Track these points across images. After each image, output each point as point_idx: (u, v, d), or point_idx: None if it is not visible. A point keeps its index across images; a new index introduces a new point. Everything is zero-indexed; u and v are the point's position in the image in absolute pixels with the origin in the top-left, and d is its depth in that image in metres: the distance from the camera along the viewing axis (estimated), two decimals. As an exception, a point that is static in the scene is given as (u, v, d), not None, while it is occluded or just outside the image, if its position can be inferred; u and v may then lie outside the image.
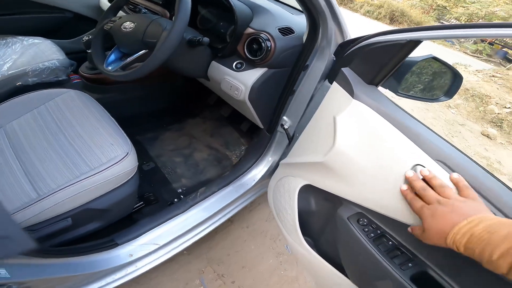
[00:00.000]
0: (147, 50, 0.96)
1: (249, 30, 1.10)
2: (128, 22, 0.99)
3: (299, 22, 1.14)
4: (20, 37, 1.55)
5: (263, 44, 1.04)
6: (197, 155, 1.60)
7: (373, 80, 0.84)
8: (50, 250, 0.84)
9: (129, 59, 0.98)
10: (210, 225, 1.26)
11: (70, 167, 0.90)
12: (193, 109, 1.87)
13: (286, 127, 1.22)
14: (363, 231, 0.82)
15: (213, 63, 1.20)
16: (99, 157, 0.92)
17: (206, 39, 1.03)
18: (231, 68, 1.14)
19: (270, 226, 1.70)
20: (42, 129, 0.99)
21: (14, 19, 1.76)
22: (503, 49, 12.12)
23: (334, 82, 0.89)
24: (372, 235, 0.82)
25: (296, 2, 0.95)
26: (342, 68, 0.88)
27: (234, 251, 1.55)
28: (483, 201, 0.59)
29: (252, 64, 1.11)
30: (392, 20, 13.63)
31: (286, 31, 1.09)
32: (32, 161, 0.90)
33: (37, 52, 1.46)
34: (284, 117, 1.22)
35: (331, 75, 1.01)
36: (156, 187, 1.39)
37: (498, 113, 4.67)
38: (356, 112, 0.80)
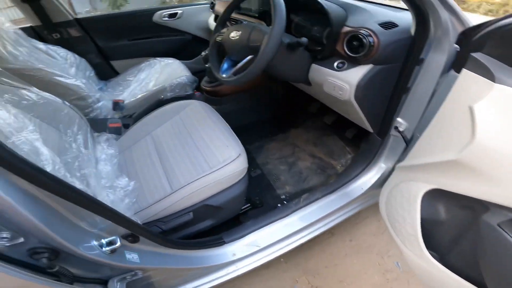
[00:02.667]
0: (252, 56, 1.05)
1: (346, 29, 1.09)
2: (234, 31, 1.11)
3: (401, 16, 1.07)
4: (158, 59, 2.03)
5: (364, 40, 1.01)
6: (300, 164, 1.61)
7: None
8: (175, 242, 0.98)
9: (239, 65, 1.09)
10: (310, 233, 1.24)
11: (195, 166, 1.05)
12: (295, 119, 1.91)
13: (401, 129, 1.12)
14: None
15: (313, 66, 1.21)
16: (217, 157, 1.06)
17: (304, 39, 1.06)
18: (333, 69, 1.12)
19: (378, 241, 1.53)
20: (177, 134, 1.21)
21: (151, 42, 2.34)
22: None
23: (465, 70, 0.79)
24: None
25: (392, 2, 0.93)
26: (473, 54, 0.77)
27: (333, 264, 1.45)
28: None
29: (355, 62, 1.08)
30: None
31: (388, 25, 1.03)
32: (169, 162, 1.10)
33: (171, 71, 1.83)
34: (399, 119, 1.12)
35: (458, 63, 0.90)
36: (261, 192, 1.46)
37: None
38: (501, 97, 0.69)
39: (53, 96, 1.09)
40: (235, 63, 1.16)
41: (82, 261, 0.69)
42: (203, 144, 1.13)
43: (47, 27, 1.94)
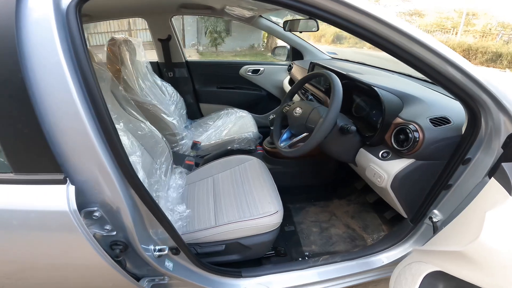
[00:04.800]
0: (308, 133, 1.20)
1: (398, 120, 1.13)
2: (298, 108, 1.26)
3: (462, 111, 1.04)
4: (235, 109, 2.35)
5: (410, 135, 1.04)
6: (333, 230, 1.71)
7: None
8: (203, 263, 1.16)
9: (294, 139, 1.26)
10: None
11: (239, 210, 1.28)
12: (341, 191, 2.01)
13: (435, 220, 1.15)
14: None
15: (361, 150, 1.28)
16: (258, 208, 1.27)
17: (353, 128, 1.15)
18: (377, 157, 1.19)
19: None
20: (232, 182, 1.48)
21: (233, 93, 2.68)
22: None
23: (492, 178, 0.82)
24: None
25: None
26: (503, 163, 0.80)
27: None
28: None
29: (398, 154, 1.12)
30: None
31: (440, 121, 1.05)
32: (220, 201, 1.36)
33: (242, 124, 2.16)
34: (435, 211, 1.16)
35: (492, 169, 0.90)
36: (289, 245, 1.60)
37: None
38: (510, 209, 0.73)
39: (157, 131, 1.50)
40: (293, 135, 1.34)
41: (136, 258, 0.89)
42: (250, 195, 1.36)
43: (167, 65, 2.44)
